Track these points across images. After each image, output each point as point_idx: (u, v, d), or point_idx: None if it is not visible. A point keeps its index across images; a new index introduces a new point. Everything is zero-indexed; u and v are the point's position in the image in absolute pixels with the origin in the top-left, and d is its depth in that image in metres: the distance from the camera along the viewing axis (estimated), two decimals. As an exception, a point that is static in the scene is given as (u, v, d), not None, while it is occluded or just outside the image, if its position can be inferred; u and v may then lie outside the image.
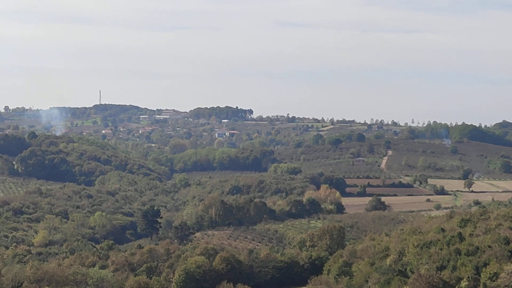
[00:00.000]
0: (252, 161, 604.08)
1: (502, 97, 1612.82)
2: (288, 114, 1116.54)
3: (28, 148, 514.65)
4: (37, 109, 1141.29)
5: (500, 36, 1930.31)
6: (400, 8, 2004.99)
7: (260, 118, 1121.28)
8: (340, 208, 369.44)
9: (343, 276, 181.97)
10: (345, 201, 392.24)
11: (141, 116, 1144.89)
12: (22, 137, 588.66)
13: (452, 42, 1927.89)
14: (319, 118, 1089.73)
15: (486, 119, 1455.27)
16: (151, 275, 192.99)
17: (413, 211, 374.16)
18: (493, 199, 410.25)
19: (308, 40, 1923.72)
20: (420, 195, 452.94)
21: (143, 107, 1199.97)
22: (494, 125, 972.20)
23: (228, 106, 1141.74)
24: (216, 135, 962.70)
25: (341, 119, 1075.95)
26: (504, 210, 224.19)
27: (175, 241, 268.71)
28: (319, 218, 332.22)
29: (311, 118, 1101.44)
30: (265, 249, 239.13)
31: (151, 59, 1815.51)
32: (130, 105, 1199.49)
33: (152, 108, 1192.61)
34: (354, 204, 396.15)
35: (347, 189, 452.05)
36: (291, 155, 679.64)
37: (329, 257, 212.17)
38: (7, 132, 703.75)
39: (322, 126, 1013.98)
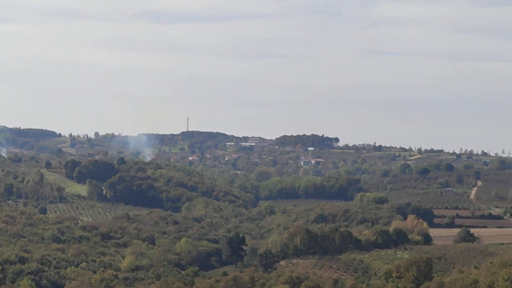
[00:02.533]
0: (337, 189, 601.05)
1: None
2: (374, 142, 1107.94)
3: (117, 174, 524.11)
4: (126, 135, 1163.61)
5: None
6: (491, 36, 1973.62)
7: (346, 147, 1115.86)
8: (427, 239, 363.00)
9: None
10: (432, 232, 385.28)
11: (227, 143, 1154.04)
12: (111, 162, 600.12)
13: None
14: (406, 147, 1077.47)
15: None
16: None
17: (503, 244, 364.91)
18: None
19: (396, 68, 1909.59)
20: (510, 227, 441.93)
21: (229, 134, 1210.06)
22: None
23: (314, 134, 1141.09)
24: (302, 163, 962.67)
25: (429, 148, 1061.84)
26: None
27: (260, 269, 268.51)
28: (406, 249, 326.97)
29: (398, 147, 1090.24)
30: (350, 279, 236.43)
31: (240, 87, 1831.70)
32: (217, 132, 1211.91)
33: (239, 136, 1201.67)
34: (442, 236, 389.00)
35: (435, 220, 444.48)
36: (377, 184, 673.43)
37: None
38: (96, 158, 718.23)
39: (410, 155, 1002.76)
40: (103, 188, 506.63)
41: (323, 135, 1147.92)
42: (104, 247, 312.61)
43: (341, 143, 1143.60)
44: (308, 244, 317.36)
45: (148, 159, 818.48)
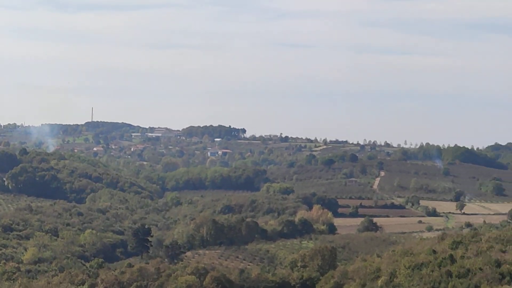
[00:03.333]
0: (244, 180, 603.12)
1: (495, 120, 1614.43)
2: (281, 133, 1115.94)
3: (19, 165, 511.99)
4: (28, 125, 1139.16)
5: (494, 58, 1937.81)
6: (395, 29, 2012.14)
7: (253, 138, 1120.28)
8: (332, 229, 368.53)
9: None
10: (337, 221, 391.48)
11: (133, 134, 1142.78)
12: (13, 153, 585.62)
13: (446, 65, 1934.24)
14: (312, 138, 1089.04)
15: (479, 141, 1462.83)
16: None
17: (405, 233, 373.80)
18: (484, 221, 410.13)
19: (302, 60, 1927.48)
20: (412, 216, 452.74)
21: (135, 125, 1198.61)
22: (486, 147, 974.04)
23: (221, 125, 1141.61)
24: (209, 154, 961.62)
25: (334, 139, 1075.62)
26: (496, 233, 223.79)
27: (166, 260, 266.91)
28: (311, 239, 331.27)
29: (304, 138, 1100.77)
30: (256, 269, 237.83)
31: (146, 77, 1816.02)
32: (122, 122, 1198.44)
33: (145, 126, 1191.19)
34: (346, 225, 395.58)
35: (339, 210, 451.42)
36: (283, 174, 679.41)
37: (320, 277, 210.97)
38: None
39: (315, 146, 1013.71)
40: (4, 179, 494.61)
41: (230, 126, 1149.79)
42: (6, 239, 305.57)
43: (248, 134, 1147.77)
44: (214, 235, 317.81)
45: (51, 149, 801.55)
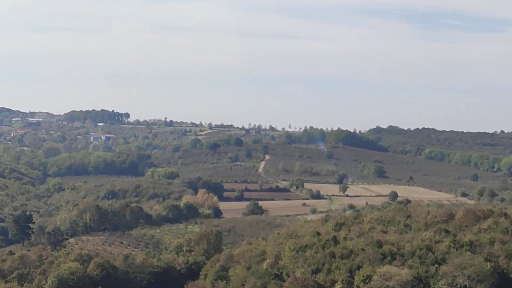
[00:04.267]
0: (128, 165, 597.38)
1: (376, 103, 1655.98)
2: (165, 118, 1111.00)
3: None
4: None
5: (375, 43, 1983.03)
6: (280, 14, 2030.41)
7: (137, 122, 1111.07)
8: (217, 213, 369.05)
9: (220, 280, 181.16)
10: (222, 205, 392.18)
11: (13, 119, 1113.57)
12: None
13: (329, 49, 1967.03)
14: (197, 123, 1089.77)
15: (361, 124, 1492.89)
16: (23, 282, 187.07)
17: (289, 215, 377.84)
18: (366, 203, 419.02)
19: (188, 44, 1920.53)
20: (296, 199, 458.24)
21: (15, 109, 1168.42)
22: (368, 130, 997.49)
23: (104, 110, 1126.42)
24: (92, 138, 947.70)
25: (219, 123, 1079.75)
26: (377, 214, 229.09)
27: (48, 247, 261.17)
28: (197, 223, 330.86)
29: (189, 122, 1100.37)
30: (141, 254, 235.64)
31: (26, 61, 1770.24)
32: (1, 107, 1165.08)
33: (25, 111, 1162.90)
34: (232, 209, 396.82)
35: (225, 194, 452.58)
36: (168, 159, 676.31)
37: (206, 261, 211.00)
38: None
39: (200, 131, 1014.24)
40: None
41: (113, 111, 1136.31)
42: None
43: (132, 119, 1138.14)
44: (98, 221, 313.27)
45: None
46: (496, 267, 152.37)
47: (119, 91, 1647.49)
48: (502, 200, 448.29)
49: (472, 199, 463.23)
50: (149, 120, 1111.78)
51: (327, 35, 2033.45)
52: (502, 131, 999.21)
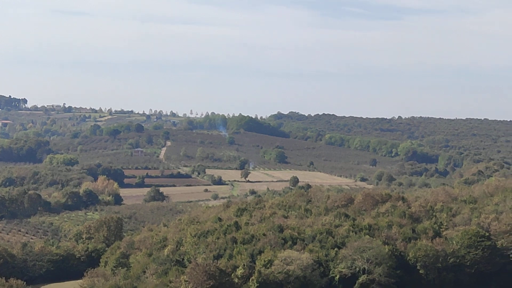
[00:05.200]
0: (26, 152, 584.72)
1: (278, 89, 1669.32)
2: (64, 103, 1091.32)
3: None
4: None
5: (277, 29, 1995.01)
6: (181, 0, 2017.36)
7: (35, 108, 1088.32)
8: (118, 199, 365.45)
9: (120, 267, 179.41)
10: (123, 192, 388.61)
11: None
12: None
13: (230, 35, 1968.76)
14: (97, 108, 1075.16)
15: (262, 110, 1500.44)
16: None
17: (191, 201, 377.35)
18: (268, 188, 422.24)
19: (86, 29, 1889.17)
20: (198, 185, 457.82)
21: None
22: (269, 116, 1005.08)
23: (1, 95, 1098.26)
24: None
25: (119, 109, 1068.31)
26: (278, 199, 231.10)
27: None
28: (97, 210, 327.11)
29: (88, 108, 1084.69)
30: (40, 242, 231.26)
31: None
32: None
33: None
34: (133, 195, 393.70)
35: (126, 180, 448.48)
36: (67, 146, 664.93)
37: (107, 249, 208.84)
38: None
39: (100, 117, 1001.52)
40: None
41: (10, 96, 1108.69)
42: None
43: (29, 104, 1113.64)
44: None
45: None
46: (394, 250, 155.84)
47: (16, 76, 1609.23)
48: (400, 184, 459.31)
49: (371, 184, 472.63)
50: (47, 106, 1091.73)
51: (229, 21, 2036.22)
52: (399, 117, 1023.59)
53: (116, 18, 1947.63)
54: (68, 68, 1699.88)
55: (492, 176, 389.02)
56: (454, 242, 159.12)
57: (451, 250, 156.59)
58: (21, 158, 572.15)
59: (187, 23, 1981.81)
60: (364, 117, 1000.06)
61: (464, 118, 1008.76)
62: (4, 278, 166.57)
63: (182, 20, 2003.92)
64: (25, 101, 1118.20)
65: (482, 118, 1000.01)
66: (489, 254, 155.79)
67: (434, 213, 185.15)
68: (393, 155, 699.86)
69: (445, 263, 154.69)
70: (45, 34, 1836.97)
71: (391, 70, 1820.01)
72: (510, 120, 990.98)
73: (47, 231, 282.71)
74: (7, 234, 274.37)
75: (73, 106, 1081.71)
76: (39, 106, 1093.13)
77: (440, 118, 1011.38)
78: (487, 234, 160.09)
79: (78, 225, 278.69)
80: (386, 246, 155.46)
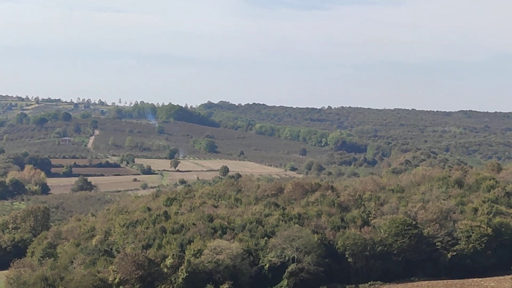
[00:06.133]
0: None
1: (208, 78, 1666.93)
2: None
3: None
4: None
5: (209, 18, 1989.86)
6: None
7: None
8: (45, 189, 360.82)
9: (47, 258, 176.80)
10: (50, 181, 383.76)
11: None
12: None
13: (161, 23, 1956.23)
14: (24, 96, 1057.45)
15: (192, 100, 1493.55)
16: None
17: (120, 191, 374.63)
18: (198, 178, 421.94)
19: (12, 16, 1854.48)
20: (127, 174, 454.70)
21: None
22: (199, 105, 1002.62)
23: None
24: None
25: (46, 97, 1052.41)
26: (208, 189, 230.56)
27: None
28: (23, 199, 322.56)
29: (14, 96, 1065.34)
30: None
31: None
32: None
33: None
34: (60, 185, 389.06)
35: (53, 170, 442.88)
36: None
37: (33, 239, 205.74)
38: None
39: (27, 105, 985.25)
40: None
41: None
42: None
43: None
44: None
45: None
46: (323, 238, 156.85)
47: None
48: (329, 173, 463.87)
49: (301, 173, 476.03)
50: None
51: (160, 9, 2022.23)
52: (329, 107, 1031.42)
53: (46, 6, 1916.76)
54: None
55: (419, 166, 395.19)
56: (382, 231, 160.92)
57: (379, 238, 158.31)
58: None
59: (116, 11, 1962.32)
60: (294, 107, 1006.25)
61: (392, 108, 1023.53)
62: None
63: (112, 8, 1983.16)
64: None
65: (410, 109, 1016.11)
66: (416, 242, 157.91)
67: (362, 202, 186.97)
68: (322, 144, 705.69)
69: (373, 251, 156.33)
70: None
71: (322, 61, 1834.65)
72: (437, 111, 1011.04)
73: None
74: None
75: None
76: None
77: (369, 108, 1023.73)
78: (414, 222, 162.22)
79: (4, 215, 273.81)
80: (315, 235, 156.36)
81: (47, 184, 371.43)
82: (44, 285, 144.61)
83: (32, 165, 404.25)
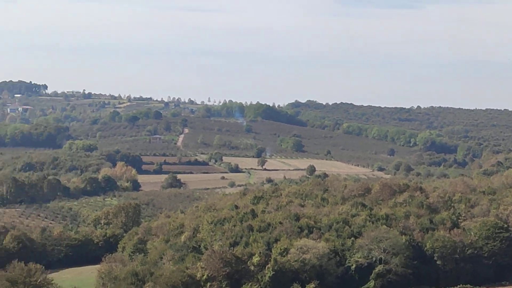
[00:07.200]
0: (46, 137, 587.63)
1: (296, 78, 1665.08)
2: (84, 90, 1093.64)
3: None
4: None
5: (295, 17, 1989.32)
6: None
7: (55, 94, 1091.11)
8: (136, 186, 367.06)
9: (137, 253, 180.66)
10: (141, 178, 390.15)
11: None
12: None
13: (249, 23, 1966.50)
14: (116, 95, 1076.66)
15: (280, 99, 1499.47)
16: None
17: (208, 189, 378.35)
18: (284, 176, 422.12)
19: (101, 14, 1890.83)
20: (215, 172, 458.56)
21: None
22: (287, 105, 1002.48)
23: (22, 81, 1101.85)
24: (8, 110, 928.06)
25: (138, 96, 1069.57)
26: (295, 188, 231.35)
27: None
28: (115, 196, 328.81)
29: (107, 94, 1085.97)
30: (59, 227, 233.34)
31: None
32: None
33: None
34: (150, 182, 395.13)
35: (144, 167, 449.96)
36: (87, 131, 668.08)
37: (124, 234, 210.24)
38: None
39: (119, 103, 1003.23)
40: None
41: (31, 82, 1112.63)
42: None
43: (49, 90, 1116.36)
44: (15, 193, 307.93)
45: None
46: (411, 240, 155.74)
47: (37, 62, 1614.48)
48: (418, 174, 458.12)
49: (388, 174, 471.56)
50: (67, 92, 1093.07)
51: (247, 9, 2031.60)
52: (418, 107, 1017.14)
53: (135, 5, 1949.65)
54: (89, 54, 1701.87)
55: (511, 168, 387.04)
56: (472, 233, 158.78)
57: (469, 241, 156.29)
58: (41, 143, 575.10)
59: (205, 11, 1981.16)
60: (382, 106, 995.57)
61: (483, 108, 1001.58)
62: (23, 262, 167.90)
63: (200, 8, 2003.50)
64: (45, 87, 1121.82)
65: (502, 109, 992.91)
66: (507, 246, 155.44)
67: (452, 204, 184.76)
68: (411, 145, 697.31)
69: (463, 254, 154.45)
70: (65, 20, 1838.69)
71: (411, 60, 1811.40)
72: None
73: (66, 216, 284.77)
74: (27, 218, 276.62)
75: (92, 93, 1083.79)
76: (59, 92, 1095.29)
77: (459, 108, 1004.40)
78: (505, 225, 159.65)
79: (96, 210, 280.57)
80: (403, 236, 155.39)
81: (138, 181, 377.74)
82: (134, 280, 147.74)
83: (123, 162, 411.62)
